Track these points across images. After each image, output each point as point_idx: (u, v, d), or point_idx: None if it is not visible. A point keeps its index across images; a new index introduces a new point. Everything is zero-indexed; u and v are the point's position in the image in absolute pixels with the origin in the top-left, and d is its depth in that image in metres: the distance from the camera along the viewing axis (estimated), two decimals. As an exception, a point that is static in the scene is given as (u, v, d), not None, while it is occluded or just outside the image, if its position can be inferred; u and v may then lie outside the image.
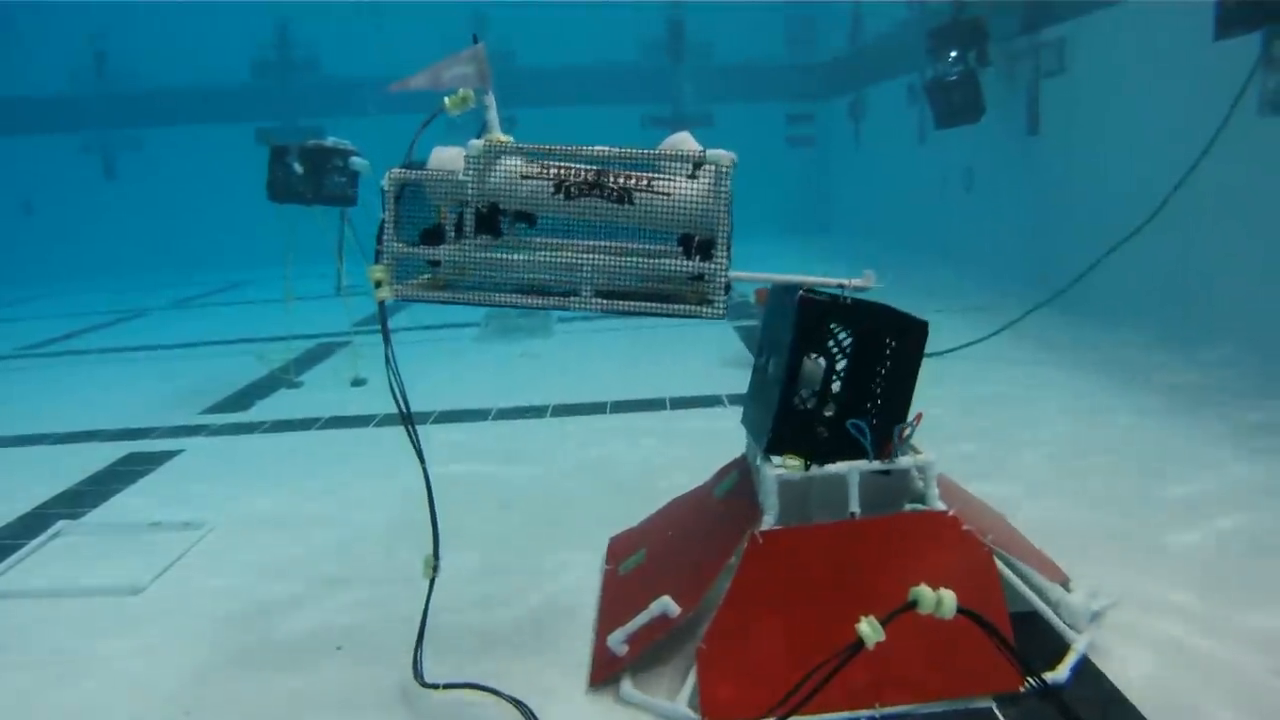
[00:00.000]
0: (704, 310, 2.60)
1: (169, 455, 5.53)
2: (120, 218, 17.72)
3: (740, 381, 6.25)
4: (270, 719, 2.76)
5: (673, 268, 2.60)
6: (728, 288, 2.62)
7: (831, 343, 2.83)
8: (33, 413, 6.83)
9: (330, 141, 6.65)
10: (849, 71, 16.09)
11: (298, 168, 6.53)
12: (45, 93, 17.75)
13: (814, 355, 2.80)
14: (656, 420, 5.68)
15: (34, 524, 4.47)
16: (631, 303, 2.63)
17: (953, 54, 9.27)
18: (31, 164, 17.67)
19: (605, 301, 2.62)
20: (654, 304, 2.64)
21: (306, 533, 4.21)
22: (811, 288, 2.82)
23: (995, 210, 10.25)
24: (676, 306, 2.63)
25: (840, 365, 2.84)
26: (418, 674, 2.80)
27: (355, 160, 6.59)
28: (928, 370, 2.87)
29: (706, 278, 2.60)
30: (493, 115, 2.80)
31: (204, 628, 3.36)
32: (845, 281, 2.82)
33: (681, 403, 5.98)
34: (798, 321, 2.75)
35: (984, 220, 10.59)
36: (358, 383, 6.99)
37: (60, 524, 4.42)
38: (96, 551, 4.13)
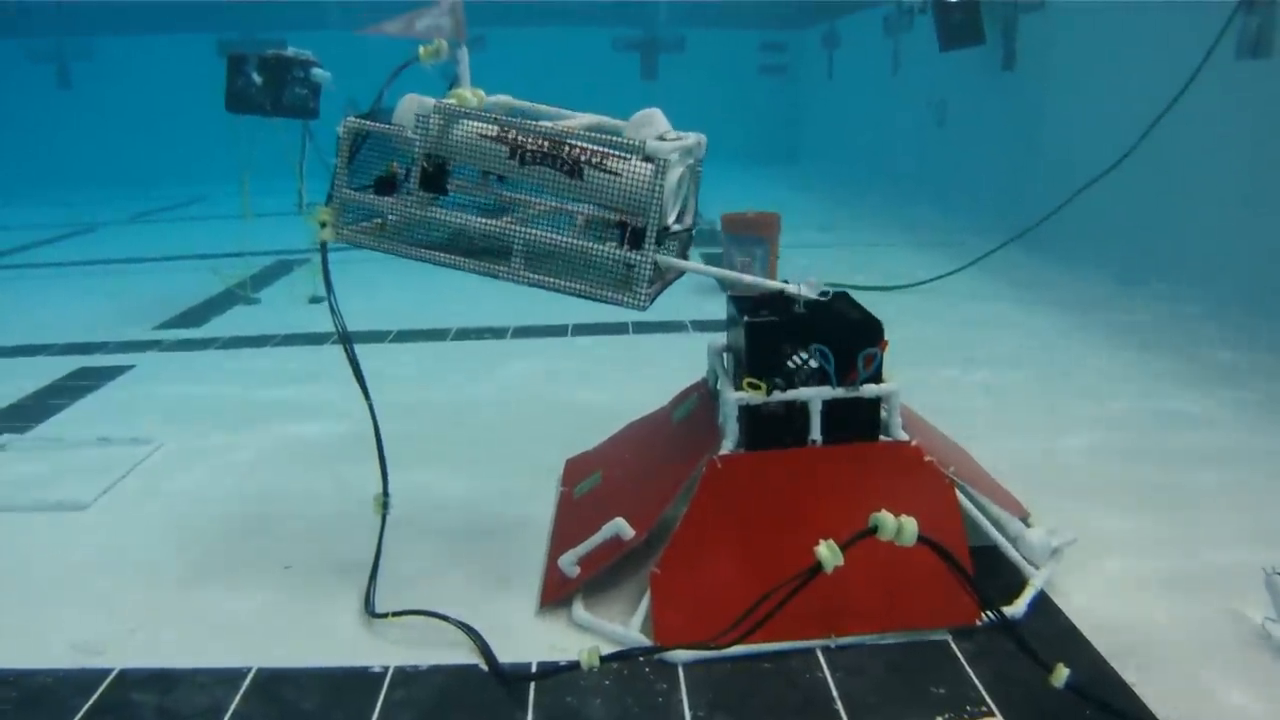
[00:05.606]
0: (625, 298, 2.56)
1: (120, 370, 5.41)
2: (75, 129, 17.19)
3: (703, 308, 6.23)
4: (216, 636, 2.70)
5: (602, 254, 2.57)
6: (653, 281, 2.57)
7: (788, 362, 2.75)
8: (-22, 326, 6.65)
9: (291, 51, 6.41)
10: (824, 1, 15.85)
11: (256, 78, 6.30)
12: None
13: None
14: (617, 344, 5.61)
15: (-24, 437, 4.35)
16: (557, 280, 2.60)
17: None
18: (-22, 71, 17.04)
19: (532, 275, 2.61)
20: (577, 284, 2.60)
21: (257, 450, 4.13)
22: (755, 302, 2.81)
23: (968, 144, 10.17)
24: (601, 291, 2.59)
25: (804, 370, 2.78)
26: (369, 606, 2.76)
27: (317, 71, 6.36)
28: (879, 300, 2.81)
29: (634, 268, 2.54)
30: (464, 69, 2.76)
31: (149, 544, 3.27)
32: (786, 286, 2.77)
33: (644, 327, 5.91)
34: (749, 347, 2.72)
35: (956, 154, 10.52)
36: (316, 300, 6.86)
37: (3, 438, 4.30)
38: (41, 466, 4.02)
